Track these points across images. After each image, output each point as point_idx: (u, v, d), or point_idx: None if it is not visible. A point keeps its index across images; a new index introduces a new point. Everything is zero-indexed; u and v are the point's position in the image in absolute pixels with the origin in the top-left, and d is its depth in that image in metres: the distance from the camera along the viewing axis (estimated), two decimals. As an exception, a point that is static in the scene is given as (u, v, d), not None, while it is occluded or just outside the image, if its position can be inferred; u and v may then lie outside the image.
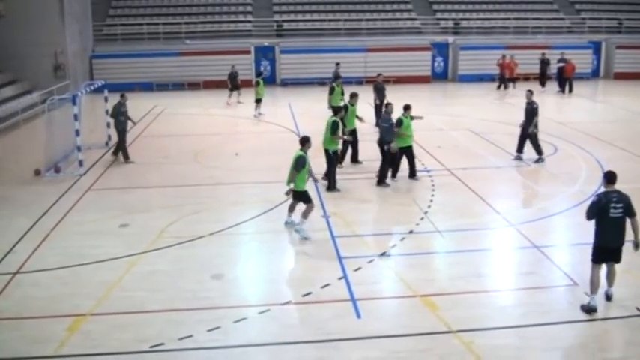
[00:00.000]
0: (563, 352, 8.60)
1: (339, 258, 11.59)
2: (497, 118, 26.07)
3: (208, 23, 38.18)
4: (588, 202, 10.24)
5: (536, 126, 18.17)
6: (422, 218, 13.72)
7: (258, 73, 29.03)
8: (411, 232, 12.93)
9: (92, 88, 20.96)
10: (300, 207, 12.99)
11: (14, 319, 9.64)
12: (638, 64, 39.78)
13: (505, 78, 34.36)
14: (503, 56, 34.55)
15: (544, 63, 34.88)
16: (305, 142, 13.01)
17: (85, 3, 35.51)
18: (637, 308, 9.61)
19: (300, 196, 12.81)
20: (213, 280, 10.83)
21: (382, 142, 16.07)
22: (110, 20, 38.07)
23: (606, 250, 9.68)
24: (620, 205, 9.47)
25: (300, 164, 12.59)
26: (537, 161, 18.24)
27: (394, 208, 14.69)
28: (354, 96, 18.46)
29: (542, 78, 34.77)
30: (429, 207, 14.45)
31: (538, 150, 18.30)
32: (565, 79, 33.51)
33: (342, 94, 23.21)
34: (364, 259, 11.46)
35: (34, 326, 9.42)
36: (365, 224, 13.53)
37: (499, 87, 34.44)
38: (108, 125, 21.34)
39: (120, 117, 19.04)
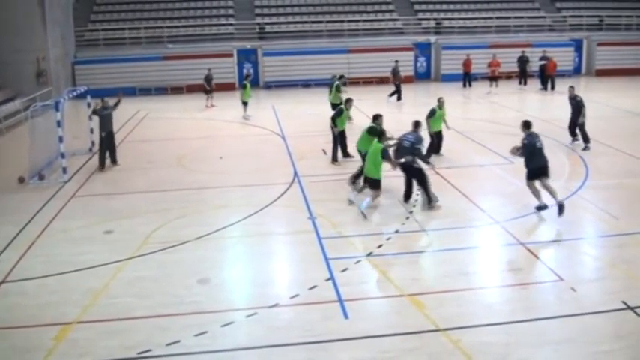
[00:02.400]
0: (551, 347, 8.64)
1: (326, 259, 11.59)
2: (480, 116, 26.21)
3: (190, 27, 38.14)
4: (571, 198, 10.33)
5: (584, 115, 19.54)
6: (407, 218, 13.76)
7: (246, 76, 28.95)
8: (396, 231, 12.96)
9: (75, 94, 20.84)
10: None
11: (1, 329, 9.55)
12: (619, 60, 40.24)
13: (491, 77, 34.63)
14: (494, 55, 34.75)
15: (523, 61, 35.17)
16: (382, 134, 14.34)
17: (66, 8, 35.34)
18: (623, 302, 9.67)
19: (375, 184, 14.02)
20: (200, 285, 10.79)
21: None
22: (92, 25, 37.89)
23: (539, 170, 13.44)
24: (540, 139, 13.72)
25: (386, 156, 13.79)
26: (584, 149, 19.30)
27: (380, 208, 14.70)
28: (348, 101, 19.36)
29: (522, 76, 35.07)
30: (414, 206, 14.48)
31: (585, 138, 19.50)
32: (547, 77, 33.78)
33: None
34: (351, 260, 11.47)
35: (22, 336, 9.33)
36: (351, 225, 13.53)
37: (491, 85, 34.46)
38: (91, 131, 21.24)
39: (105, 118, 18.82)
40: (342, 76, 26.22)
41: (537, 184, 13.59)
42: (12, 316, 9.89)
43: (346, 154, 18.61)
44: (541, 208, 13.60)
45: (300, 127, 22.78)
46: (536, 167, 13.49)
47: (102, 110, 18.80)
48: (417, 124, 15.16)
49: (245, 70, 36.60)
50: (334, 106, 23.37)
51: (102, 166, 18.83)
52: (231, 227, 13.60)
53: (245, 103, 27.06)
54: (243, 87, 27.06)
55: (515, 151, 13.74)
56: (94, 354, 8.72)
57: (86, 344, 8.98)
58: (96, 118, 19.27)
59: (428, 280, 10.93)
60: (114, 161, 19.21)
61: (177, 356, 8.63)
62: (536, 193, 13.63)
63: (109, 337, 9.17)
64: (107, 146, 18.96)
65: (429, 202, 14.22)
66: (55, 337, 9.13)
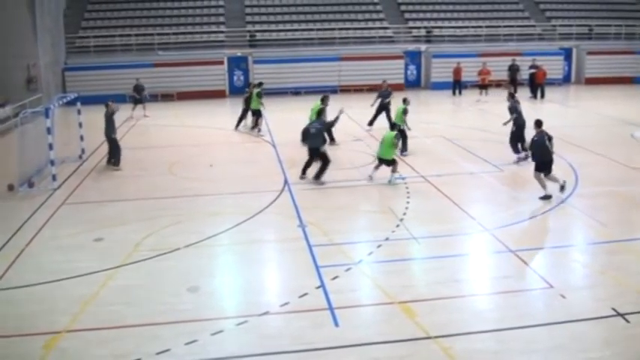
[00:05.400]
0: (541, 355, 8.65)
1: (317, 267, 11.57)
2: (470, 124, 26.31)
3: (181, 34, 38.09)
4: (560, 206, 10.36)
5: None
6: (398, 225, 13.77)
7: (259, 83, 26.99)
8: (387, 239, 12.96)
9: (65, 100, 20.78)
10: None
11: (-12, 338, 9.50)
12: (608, 69, 40.53)
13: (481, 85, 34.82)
14: (484, 64, 34.96)
15: (514, 69, 35.38)
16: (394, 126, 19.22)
17: (57, 15, 35.22)
18: (613, 309, 9.71)
19: (391, 162, 17.02)
20: (190, 293, 10.76)
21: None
22: (83, 32, 37.72)
23: (544, 164, 15.35)
24: (547, 137, 15.37)
25: (398, 139, 17.54)
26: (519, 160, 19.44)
27: (370, 215, 14.74)
28: (325, 99, 21.40)
29: (513, 84, 35.23)
30: (405, 214, 14.51)
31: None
32: (537, 85, 33.99)
33: None
34: (341, 268, 11.46)
35: (10, 345, 9.25)
36: (341, 233, 13.54)
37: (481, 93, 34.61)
38: (81, 138, 21.19)
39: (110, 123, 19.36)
40: (260, 84, 26.41)
41: (543, 176, 15.28)
42: (1, 325, 9.82)
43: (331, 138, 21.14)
44: (546, 197, 15.17)
45: (291, 135, 22.75)
46: (542, 161, 15.29)
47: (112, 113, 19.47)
48: (319, 113, 19.80)
49: (235, 78, 36.58)
50: (255, 112, 25.22)
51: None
52: (221, 235, 13.57)
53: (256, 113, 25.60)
54: (258, 95, 25.35)
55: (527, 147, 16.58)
56: (83, 363, 8.68)
57: (76, 353, 8.93)
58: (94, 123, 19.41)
59: (418, 287, 10.93)
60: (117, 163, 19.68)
61: (167, 365, 8.60)
62: (542, 183, 15.31)
63: (99, 345, 9.11)
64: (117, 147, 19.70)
65: (318, 177, 17.12)
66: (45, 346, 9.07)
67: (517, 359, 8.56)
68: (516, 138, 19.27)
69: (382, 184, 17.01)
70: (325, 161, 17.26)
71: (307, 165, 17.65)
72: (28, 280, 11.38)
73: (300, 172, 17.65)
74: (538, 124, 15.68)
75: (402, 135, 19.80)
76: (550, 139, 15.40)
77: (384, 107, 24.87)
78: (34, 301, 10.61)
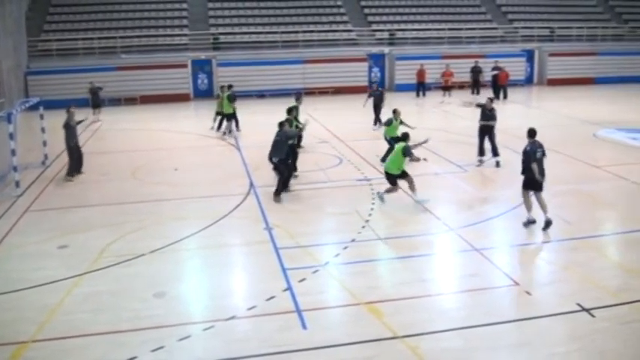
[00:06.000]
0: (507, 351, 8.79)
1: (283, 270, 11.58)
2: (434, 125, 26.47)
3: (144, 37, 37.75)
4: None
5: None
6: (363, 227, 13.83)
7: (229, 86, 26.77)
8: (353, 240, 13.01)
9: (27, 105, 20.46)
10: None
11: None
12: (569, 70, 41.29)
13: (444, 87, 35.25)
14: (447, 66, 35.37)
15: (476, 71, 35.87)
16: (406, 137, 15.59)
17: (19, 18, 34.66)
18: (577, 304, 9.88)
19: (391, 179, 15.34)
20: (156, 299, 10.67)
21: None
22: (45, 35, 37.22)
23: (533, 181, 13.34)
24: (542, 150, 13.53)
25: (408, 152, 15.01)
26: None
27: (336, 217, 14.78)
28: (298, 97, 21.37)
29: (475, 86, 35.76)
30: (370, 215, 14.58)
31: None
32: (499, 87, 34.46)
33: None
34: (308, 270, 11.48)
35: (-26, 356, 9.12)
36: (308, 235, 13.55)
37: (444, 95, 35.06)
38: (44, 144, 20.89)
39: (71, 131, 18.84)
40: (230, 86, 26.56)
41: (531, 195, 13.56)
42: (-37, 336, 9.65)
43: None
44: (529, 222, 13.60)
45: (255, 137, 22.73)
46: (531, 177, 13.35)
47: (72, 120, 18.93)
48: (281, 124, 16.60)
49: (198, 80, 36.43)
50: (228, 116, 25.33)
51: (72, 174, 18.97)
52: (187, 239, 13.49)
53: (228, 116, 25.61)
54: (228, 99, 25.32)
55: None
56: (49, 372, 8.57)
57: (42, 363, 8.82)
58: (57, 128, 19.06)
59: (385, 288, 10.99)
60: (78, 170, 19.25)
61: (134, 372, 8.53)
62: (527, 204, 13.63)
63: (66, 355, 9.00)
64: (78, 155, 19.20)
65: (278, 192, 15.95)
66: (10, 357, 8.92)
67: (484, 356, 8.68)
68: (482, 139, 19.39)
69: (347, 185, 17.07)
70: (286, 174, 16.42)
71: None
72: (-8, 289, 11.19)
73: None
74: (531, 133, 13.73)
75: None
76: (544, 153, 13.60)
77: (377, 107, 25.93)
78: (-2, 311, 10.45)
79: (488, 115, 19.09)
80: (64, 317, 10.09)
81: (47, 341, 9.41)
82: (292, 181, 17.05)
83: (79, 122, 19.65)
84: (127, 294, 10.87)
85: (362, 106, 27.46)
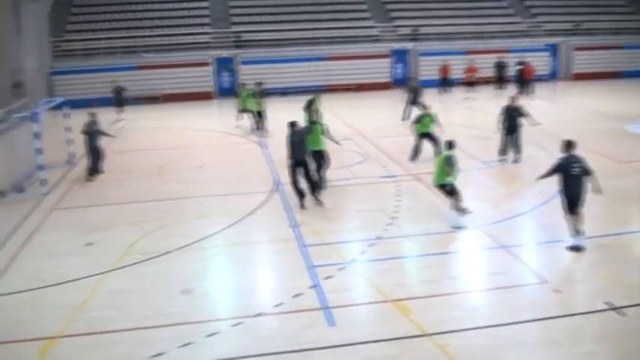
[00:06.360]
0: (535, 350, 8.68)
1: (310, 267, 11.54)
2: (459, 121, 26.35)
3: (166, 36, 37.92)
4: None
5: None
6: (389, 224, 13.74)
7: (259, 83, 26.52)
8: (379, 237, 12.93)
9: (52, 105, 20.62)
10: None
11: (-21, 345, 9.41)
12: (595, 64, 40.81)
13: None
14: (471, 61, 35.08)
15: (500, 66, 35.53)
16: (451, 144, 13.95)
17: (41, 20, 35.01)
18: (607, 302, 9.73)
19: (447, 191, 13.74)
20: (183, 296, 10.69)
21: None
22: (68, 36, 37.56)
23: (572, 201, 11.85)
24: (582, 164, 11.87)
25: (450, 162, 13.56)
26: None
27: (361, 214, 14.70)
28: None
29: (500, 81, 35.44)
30: (396, 212, 14.48)
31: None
32: (525, 82, 34.10)
33: None
34: (334, 267, 11.43)
35: (4, 351, 9.18)
36: (334, 232, 13.51)
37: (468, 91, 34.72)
38: (69, 143, 21.04)
39: (95, 135, 18.85)
40: (260, 83, 26.36)
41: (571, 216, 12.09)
42: (-8, 332, 9.74)
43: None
44: (576, 248, 11.96)
45: (279, 135, 22.73)
46: (570, 197, 11.91)
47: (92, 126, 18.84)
48: (293, 124, 15.47)
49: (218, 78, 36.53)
50: (257, 113, 25.21)
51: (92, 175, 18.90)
52: (212, 237, 13.50)
53: (255, 113, 25.64)
54: (252, 95, 25.58)
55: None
56: (76, 368, 8.61)
57: (70, 359, 8.86)
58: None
59: (412, 285, 10.92)
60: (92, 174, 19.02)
61: (162, 368, 8.54)
62: (573, 227, 12.04)
63: (92, 351, 9.04)
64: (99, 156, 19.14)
65: (315, 190, 15.29)
66: (38, 353, 8.99)
67: (512, 355, 8.57)
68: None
69: (371, 183, 16.98)
70: (320, 165, 16.04)
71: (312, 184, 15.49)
72: (19, 286, 11.29)
73: (301, 201, 15.29)
74: (567, 145, 12.10)
75: (432, 139, 19.18)
76: (585, 170, 11.88)
77: (414, 103, 25.96)
78: (26, 308, 10.52)
79: (514, 113, 18.76)
80: (91, 314, 10.15)
81: (74, 337, 9.46)
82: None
83: (104, 133, 19.63)
84: (153, 291, 10.91)
85: (400, 100, 27.43)
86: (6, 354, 9.13)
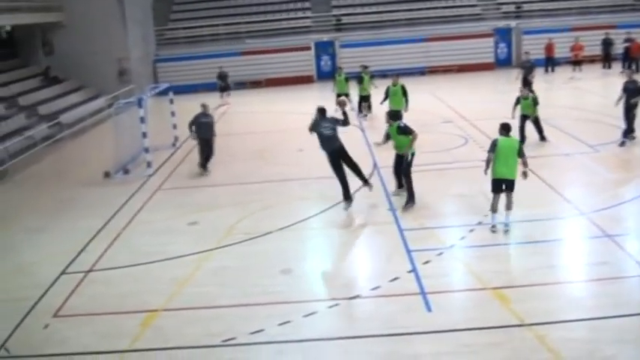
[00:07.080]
0: (636, 346, 8.32)
1: (408, 251, 11.52)
2: (564, 103, 25.48)
3: (268, 22, 38.44)
4: None
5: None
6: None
7: (365, 67, 26.14)
8: (479, 223, 12.72)
9: (157, 90, 21.38)
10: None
11: (87, 316, 10.01)
12: None
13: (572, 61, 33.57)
14: (576, 39, 33.68)
15: (607, 44, 33.84)
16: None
17: (146, 8, 36.37)
18: None
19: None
20: (283, 275, 10.94)
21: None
22: (172, 24, 38.81)
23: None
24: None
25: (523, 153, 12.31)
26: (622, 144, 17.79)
27: (461, 199, 14.45)
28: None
29: (607, 59, 33.82)
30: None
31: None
32: (631, 59, 32.40)
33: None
34: (433, 252, 11.36)
35: (107, 322, 9.73)
36: (432, 217, 13.39)
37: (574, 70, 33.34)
38: (174, 127, 21.77)
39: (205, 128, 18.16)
40: (366, 66, 26.11)
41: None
42: (98, 304, 10.34)
43: None
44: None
45: (379, 118, 22.65)
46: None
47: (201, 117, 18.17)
48: (321, 111, 14.51)
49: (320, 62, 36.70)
50: (364, 98, 25.20)
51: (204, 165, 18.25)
52: (311, 219, 13.71)
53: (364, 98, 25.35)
54: (360, 80, 25.27)
55: None
56: (178, 341, 9.01)
57: (171, 331, 9.28)
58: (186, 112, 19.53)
59: (512, 273, 10.72)
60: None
61: (261, 345, 8.79)
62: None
63: (193, 324, 9.42)
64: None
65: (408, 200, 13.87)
66: (141, 324, 9.47)
67: (612, 350, 8.22)
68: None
69: (472, 167, 16.67)
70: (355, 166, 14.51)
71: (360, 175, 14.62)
72: (124, 262, 11.89)
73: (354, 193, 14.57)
74: None
75: (537, 123, 18.54)
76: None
77: (526, 82, 25.07)
78: (130, 282, 11.10)
79: (632, 89, 17.83)
80: (193, 289, 10.56)
81: (176, 310, 9.90)
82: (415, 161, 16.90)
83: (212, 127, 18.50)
84: (254, 270, 11.21)
85: (515, 79, 26.78)
86: (111, 324, 9.66)
